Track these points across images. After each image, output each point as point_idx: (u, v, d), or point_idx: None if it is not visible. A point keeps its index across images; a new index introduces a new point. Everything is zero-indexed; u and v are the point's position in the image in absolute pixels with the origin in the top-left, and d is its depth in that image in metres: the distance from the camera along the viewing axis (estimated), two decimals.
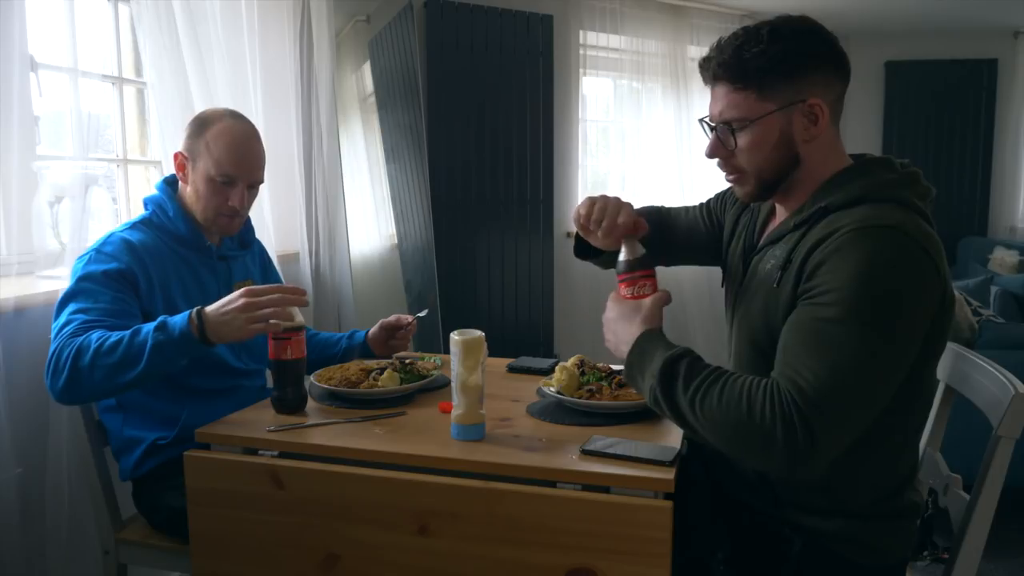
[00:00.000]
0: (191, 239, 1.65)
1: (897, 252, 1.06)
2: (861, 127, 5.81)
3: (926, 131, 5.70)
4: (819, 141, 1.20)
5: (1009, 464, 1.22)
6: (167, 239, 1.63)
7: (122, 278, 1.51)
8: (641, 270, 1.28)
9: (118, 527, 1.63)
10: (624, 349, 1.22)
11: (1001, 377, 1.28)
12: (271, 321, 1.36)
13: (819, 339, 1.06)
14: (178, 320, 1.37)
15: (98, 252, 1.53)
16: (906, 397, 1.13)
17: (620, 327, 1.24)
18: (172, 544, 1.57)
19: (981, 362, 1.38)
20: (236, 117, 1.66)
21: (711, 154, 1.25)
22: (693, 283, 4.63)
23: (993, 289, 3.42)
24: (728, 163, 1.24)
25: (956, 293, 2.71)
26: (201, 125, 1.63)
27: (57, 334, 1.42)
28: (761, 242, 1.29)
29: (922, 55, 5.65)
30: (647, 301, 1.25)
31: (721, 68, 1.19)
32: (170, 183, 1.70)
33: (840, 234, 1.09)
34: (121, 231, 1.59)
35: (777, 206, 1.31)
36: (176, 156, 1.64)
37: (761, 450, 1.05)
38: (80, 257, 1.55)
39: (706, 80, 1.24)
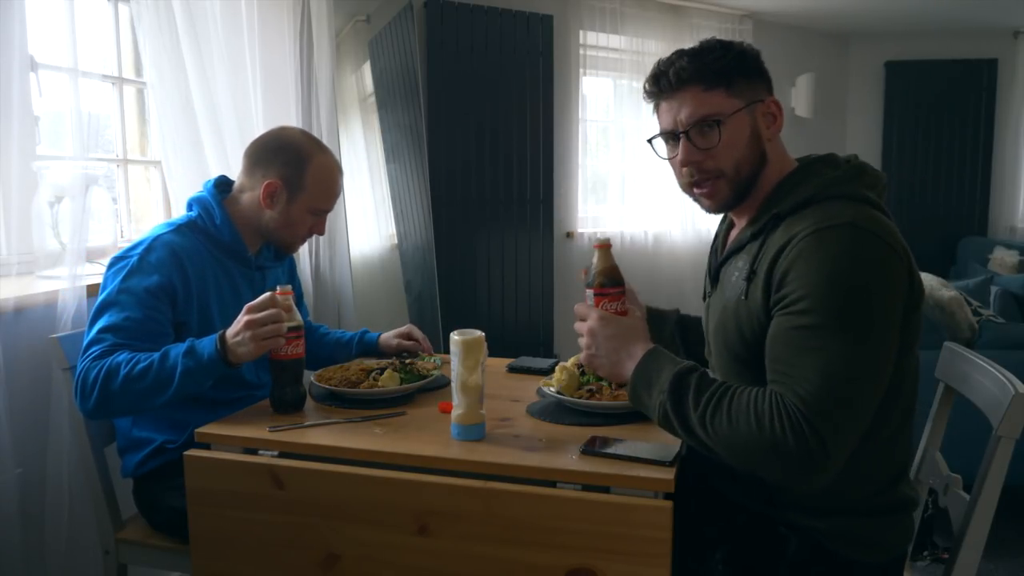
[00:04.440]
0: (233, 248, 1.65)
1: (855, 248, 1.08)
2: (861, 127, 5.81)
3: (926, 131, 5.70)
4: (775, 142, 1.26)
5: (1009, 464, 1.23)
6: (209, 245, 1.63)
7: (162, 292, 1.51)
8: (618, 286, 1.28)
9: (118, 527, 1.64)
10: (630, 366, 1.21)
11: (1001, 377, 1.28)
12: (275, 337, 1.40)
13: (803, 347, 1.07)
14: (206, 345, 1.41)
15: (141, 260, 1.52)
16: (889, 389, 1.13)
17: (620, 344, 1.23)
18: (172, 544, 1.57)
19: (981, 362, 1.38)
20: (324, 150, 1.69)
21: (688, 159, 1.24)
22: (696, 290, 4.63)
23: (993, 289, 3.41)
24: (702, 167, 1.24)
25: (956, 293, 2.73)
26: (300, 159, 1.63)
27: (84, 352, 1.45)
28: (724, 254, 1.31)
29: (922, 55, 5.65)
30: (639, 319, 1.28)
31: (686, 72, 1.21)
32: (219, 187, 1.69)
33: (798, 239, 1.11)
34: (167, 232, 1.58)
35: (733, 217, 1.34)
36: (270, 185, 1.61)
37: (775, 461, 1.05)
38: (125, 261, 1.53)
39: (663, 92, 1.25)
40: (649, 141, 1.32)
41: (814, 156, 1.27)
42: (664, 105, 1.26)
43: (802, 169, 1.24)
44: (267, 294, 1.43)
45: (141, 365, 1.40)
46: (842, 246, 1.08)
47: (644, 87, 1.29)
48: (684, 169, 1.26)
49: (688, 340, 1.53)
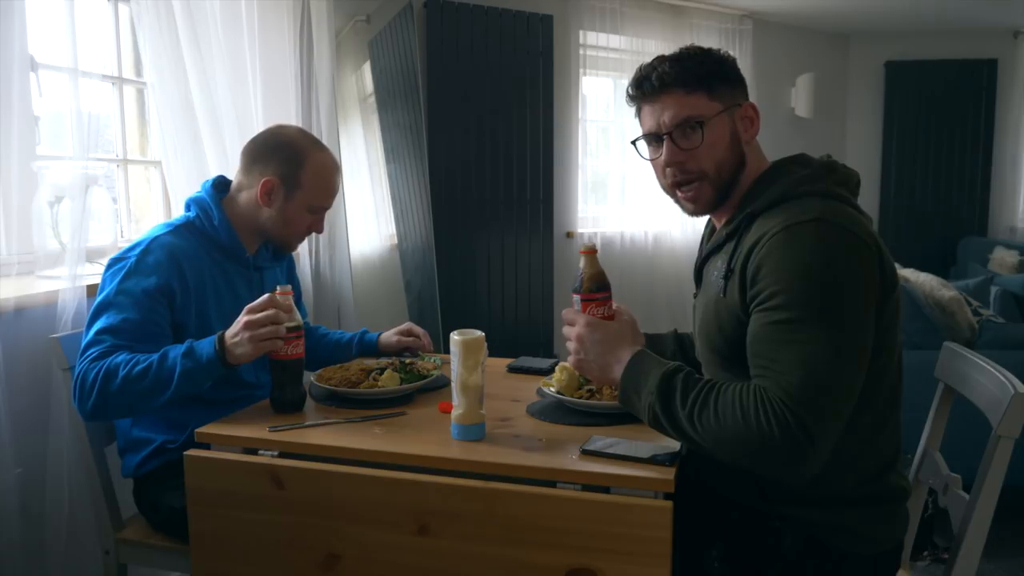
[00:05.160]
0: (231, 248, 1.65)
1: (823, 242, 1.11)
2: (861, 127, 5.81)
3: (926, 131, 5.70)
4: (752, 145, 1.29)
5: (1009, 464, 1.23)
6: (207, 246, 1.63)
7: (159, 294, 1.51)
8: (604, 290, 1.29)
9: (118, 527, 1.64)
10: (618, 369, 1.23)
11: (1001, 377, 1.28)
12: (273, 339, 1.40)
13: (782, 341, 1.10)
14: (205, 346, 1.41)
15: (139, 261, 1.52)
16: (871, 376, 1.14)
17: (607, 349, 1.24)
18: (172, 544, 1.57)
19: (981, 362, 1.38)
20: (322, 147, 1.69)
21: (671, 160, 1.27)
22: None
23: (993, 289, 3.41)
24: (685, 168, 1.27)
25: (956, 293, 2.73)
26: (297, 156, 1.63)
27: (83, 353, 1.45)
28: (704, 253, 1.34)
29: (922, 55, 5.65)
30: (627, 322, 1.30)
31: (668, 76, 1.25)
32: (217, 187, 1.69)
33: (768, 238, 1.14)
34: (165, 233, 1.58)
35: (713, 218, 1.37)
36: (267, 183, 1.61)
37: (763, 454, 1.07)
38: (122, 262, 1.53)
39: (646, 95, 1.29)
40: (633, 143, 1.36)
41: (789, 157, 1.29)
42: (647, 108, 1.30)
43: (774, 169, 1.27)
44: (266, 295, 1.43)
45: (140, 366, 1.40)
46: (811, 241, 1.11)
47: (627, 91, 1.32)
48: (667, 170, 1.29)
49: (689, 357, 1.54)
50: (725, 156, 1.26)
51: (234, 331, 1.41)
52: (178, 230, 1.61)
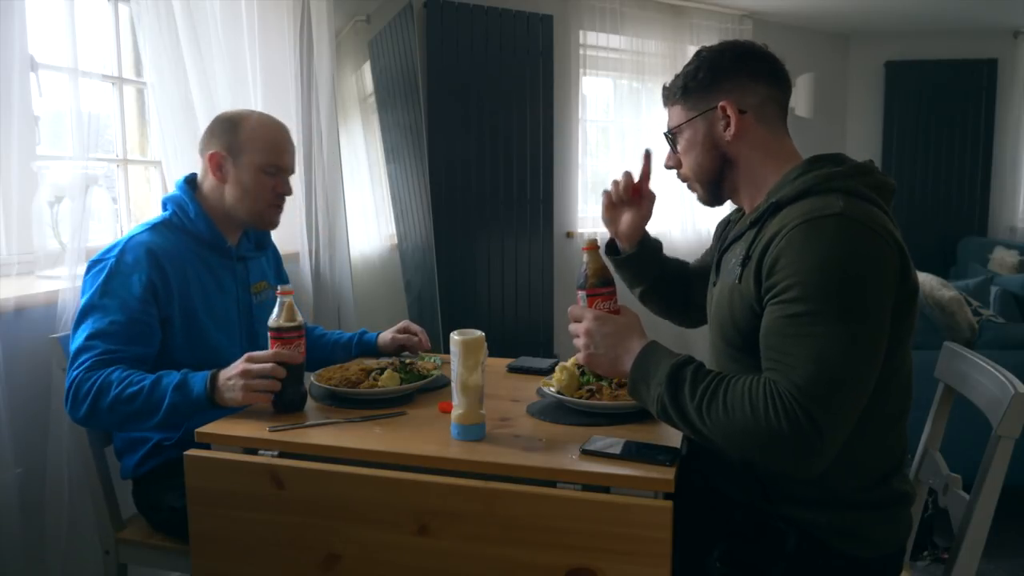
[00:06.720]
0: (211, 240, 1.66)
1: (843, 237, 1.10)
2: (861, 127, 5.81)
3: (926, 131, 5.70)
4: (748, 140, 1.30)
5: (1009, 464, 1.23)
6: (187, 241, 1.63)
7: (143, 292, 1.51)
8: (610, 285, 1.32)
9: (118, 527, 1.64)
10: (628, 360, 1.23)
11: (1001, 377, 1.28)
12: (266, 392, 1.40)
13: (797, 335, 1.09)
14: (197, 382, 1.41)
15: (119, 262, 1.53)
16: (881, 379, 1.14)
17: (617, 341, 1.25)
18: (172, 544, 1.57)
19: (981, 362, 1.38)
20: (260, 113, 1.71)
21: (666, 164, 1.41)
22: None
23: (993, 289, 3.41)
24: (678, 172, 1.40)
25: (956, 293, 2.73)
26: (233, 124, 1.65)
27: (74, 360, 1.45)
28: (727, 241, 1.34)
29: (922, 55, 5.65)
30: (633, 316, 1.30)
31: (664, 90, 1.39)
32: (190, 183, 1.70)
33: (787, 229, 1.13)
34: (142, 232, 1.59)
35: (744, 207, 1.38)
36: (213, 156, 1.63)
37: (772, 448, 1.07)
38: (102, 264, 1.54)
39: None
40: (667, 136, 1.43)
41: (823, 154, 1.28)
42: None
43: (806, 163, 1.26)
44: (272, 352, 1.41)
45: (132, 389, 1.40)
46: (831, 235, 1.10)
47: None
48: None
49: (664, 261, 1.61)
50: (701, 159, 1.33)
51: (229, 374, 1.40)
52: (156, 228, 1.62)
